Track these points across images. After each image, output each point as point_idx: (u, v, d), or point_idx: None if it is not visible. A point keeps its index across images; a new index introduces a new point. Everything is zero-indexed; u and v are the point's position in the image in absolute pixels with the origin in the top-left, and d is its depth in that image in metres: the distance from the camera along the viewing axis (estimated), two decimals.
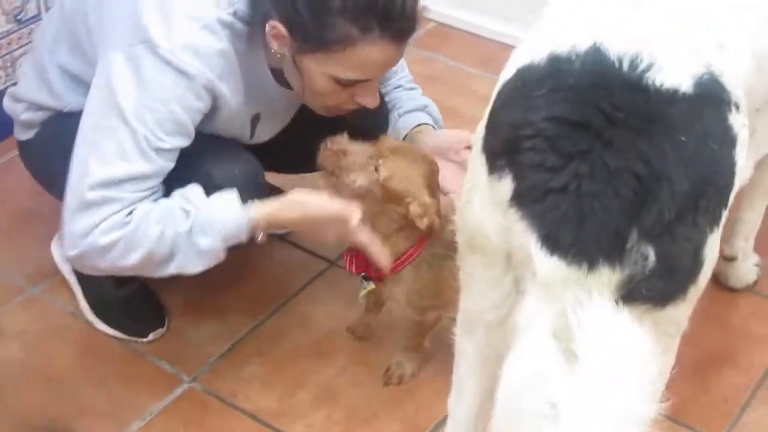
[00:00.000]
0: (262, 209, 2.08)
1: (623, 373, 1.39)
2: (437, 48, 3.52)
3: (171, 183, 2.08)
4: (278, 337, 2.47)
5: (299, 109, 2.30)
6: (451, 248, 1.76)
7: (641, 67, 1.45)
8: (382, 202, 2.09)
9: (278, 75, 2.16)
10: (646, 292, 1.46)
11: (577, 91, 1.45)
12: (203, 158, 2.12)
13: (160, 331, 2.47)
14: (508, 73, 1.57)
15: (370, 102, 2.13)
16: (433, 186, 2.11)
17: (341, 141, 2.10)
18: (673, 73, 1.45)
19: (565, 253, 1.43)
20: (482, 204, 1.55)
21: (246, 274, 2.62)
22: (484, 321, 1.67)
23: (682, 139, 1.43)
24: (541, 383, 1.41)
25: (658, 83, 1.44)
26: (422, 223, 2.04)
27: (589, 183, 1.41)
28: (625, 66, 1.45)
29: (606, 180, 1.41)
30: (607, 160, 1.41)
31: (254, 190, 2.15)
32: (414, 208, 2.05)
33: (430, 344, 2.36)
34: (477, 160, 1.57)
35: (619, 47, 1.47)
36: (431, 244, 2.13)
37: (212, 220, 2.03)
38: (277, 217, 2.11)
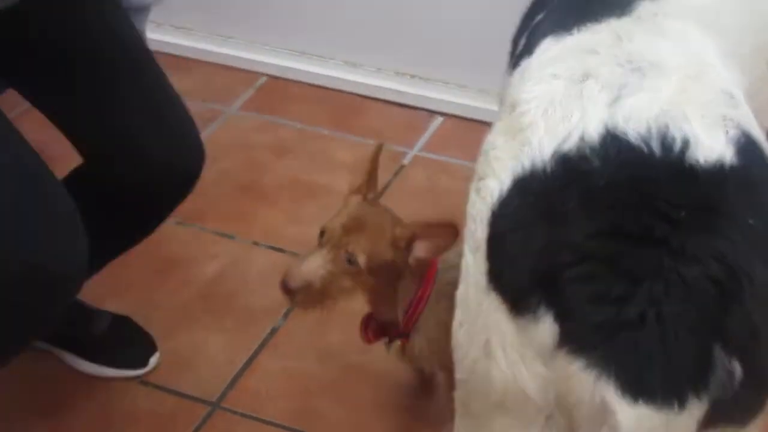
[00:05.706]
0: None
1: None
2: (277, 109, 2.81)
3: None
4: None
5: None
6: None
7: (677, 145, 1.17)
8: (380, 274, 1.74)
9: None
10: (738, 413, 1.20)
11: (618, 192, 1.15)
12: None
13: (157, 355, 2.07)
14: (494, 186, 1.23)
15: None
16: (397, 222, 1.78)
17: (294, 276, 1.68)
18: (711, 143, 1.18)
19: (653, 396, 1.14)
20: (509, 355, 1.21)
21: None
22: None
23: (750, 222, 1.16)
24: None
25: (702, 161, 1.17)
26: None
27: (668, 306, 1.13)
28: (657, 148, 1.17)
29: (685, 297, 1.13)
30: (683, 273, 1.13)
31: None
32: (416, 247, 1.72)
33: None
34: (485, 302, 1.23)
35: (635, 126, 1.18)
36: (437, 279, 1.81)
37: None
38: None
